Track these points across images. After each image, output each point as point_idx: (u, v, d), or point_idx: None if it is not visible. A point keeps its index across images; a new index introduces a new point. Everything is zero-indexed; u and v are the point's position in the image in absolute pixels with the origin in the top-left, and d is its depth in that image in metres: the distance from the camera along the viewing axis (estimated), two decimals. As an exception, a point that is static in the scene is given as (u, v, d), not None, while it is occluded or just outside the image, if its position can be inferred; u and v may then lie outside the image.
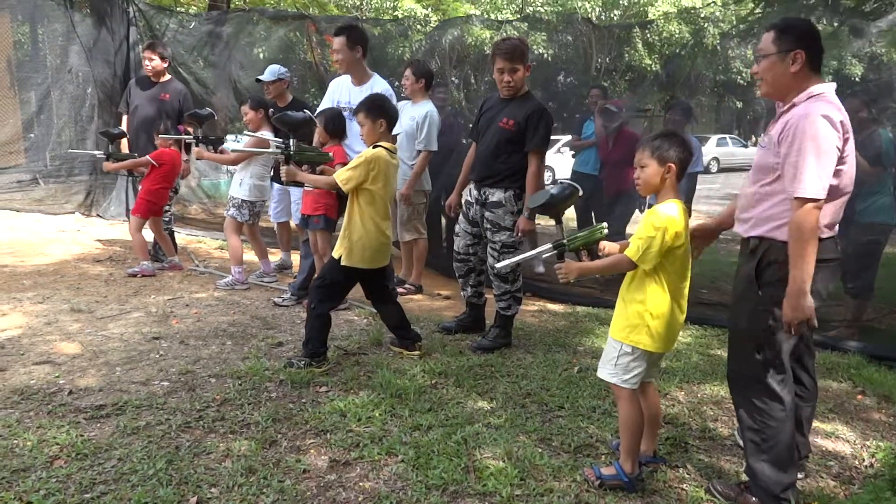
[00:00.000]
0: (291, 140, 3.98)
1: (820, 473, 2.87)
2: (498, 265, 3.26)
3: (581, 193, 2.74)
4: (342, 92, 5.10)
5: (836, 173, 2.39)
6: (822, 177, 2.32)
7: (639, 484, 2.63)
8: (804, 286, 2.32)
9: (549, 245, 2.66)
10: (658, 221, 2.50)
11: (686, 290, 2.66)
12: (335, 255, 3.84)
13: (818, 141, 2.32)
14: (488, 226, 4.17)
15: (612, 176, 6.26)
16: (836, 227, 2.53)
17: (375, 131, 3.79)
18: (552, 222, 2.70)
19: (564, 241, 2.63)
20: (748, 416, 2.57)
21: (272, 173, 4.82)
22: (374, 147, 3.76)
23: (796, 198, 2.33)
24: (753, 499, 2.56)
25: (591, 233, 2.68)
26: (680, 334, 4.72)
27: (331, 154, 4.22)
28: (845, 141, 2.38)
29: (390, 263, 4.08)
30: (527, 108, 4.04)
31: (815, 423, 3.30)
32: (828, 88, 2.47)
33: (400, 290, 5.56)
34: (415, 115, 5.41)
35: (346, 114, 4.88)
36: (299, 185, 4.35)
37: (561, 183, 2.70)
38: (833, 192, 2.39)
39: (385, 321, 4.12)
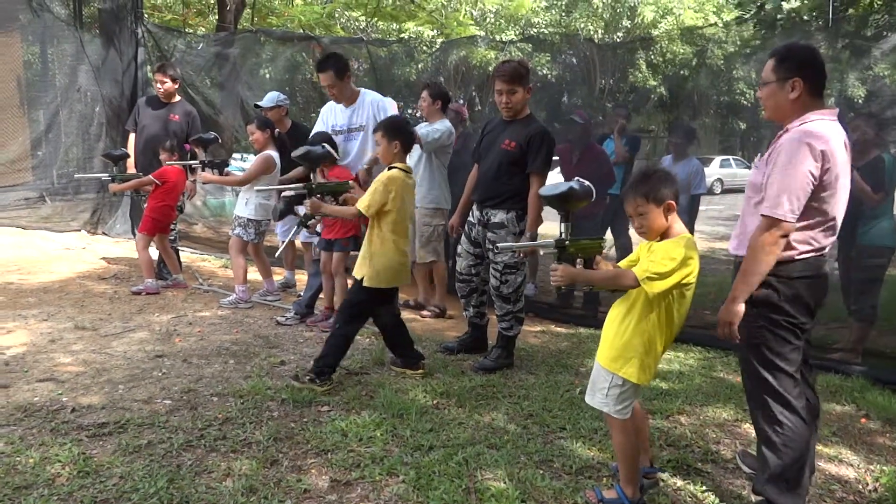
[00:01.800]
0: (311, 175, 4.18)
1: (824, 498, 2.85)
2: (500, 245, 3.27)
3: (594, 198, 2.73)
4: (335, 116, 5.15)
5: (819, 199, 2.46)
6: (790, 200, 2.41)
7: None
8: (737, 295, 2.51)
9: (550, 241, 2.66)
10: (675, 252, 2.46)
11: (679, 327, 2.65)
12: (356, 276, 3.88)
13: (793, 166, 2.41)
14: (490, 246, 4.19)
15: None
16: (826, 249, 2.58)
17: (390, 152, 3.84)
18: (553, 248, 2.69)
19: (567, 240, 2.63)
20: (768, 431, 2.59)
21: (279, 209, 4.83)
22: (388, 169, 3.81)
23: (762, 215, 2.46)
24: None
25: (592, 242, 2.70)
26: (681, 356, 4.75)
27: (350, 182, 4.28)
28: (826, 171, 2.42)
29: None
30: (529, 130, 4.08)
31: (819, 447, 3.28)
32: (825, 117, 2.51)
33: (424, 313, 5.57)
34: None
35: (339, 138, 4.96)
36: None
37: (580, 181, 2.68)
38: (813, 216, 2.48)
39: (388, 341, 4.13)
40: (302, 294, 5.33)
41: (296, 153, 4.27)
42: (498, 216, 4.14)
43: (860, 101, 6.41)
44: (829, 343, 4.88)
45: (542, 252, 2.72)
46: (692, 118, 9.45)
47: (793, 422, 2.55)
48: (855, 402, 3.95)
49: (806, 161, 2.40)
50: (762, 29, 6.62)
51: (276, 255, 4.83)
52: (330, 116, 5.18)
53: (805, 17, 6.51)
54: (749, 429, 3.45)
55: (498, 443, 3.12)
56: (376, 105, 5.12)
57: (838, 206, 2.53)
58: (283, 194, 4.86)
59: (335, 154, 4.53)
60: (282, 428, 3.17)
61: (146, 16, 9.48)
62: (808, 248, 2.52)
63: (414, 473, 2.77)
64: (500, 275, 4.17)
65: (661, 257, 2.48)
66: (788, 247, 2.50)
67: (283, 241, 4.99)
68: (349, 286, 5.00)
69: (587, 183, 2.67)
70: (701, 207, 6.52)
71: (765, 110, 2.67)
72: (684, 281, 2.48)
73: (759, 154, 2.75)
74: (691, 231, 5.78)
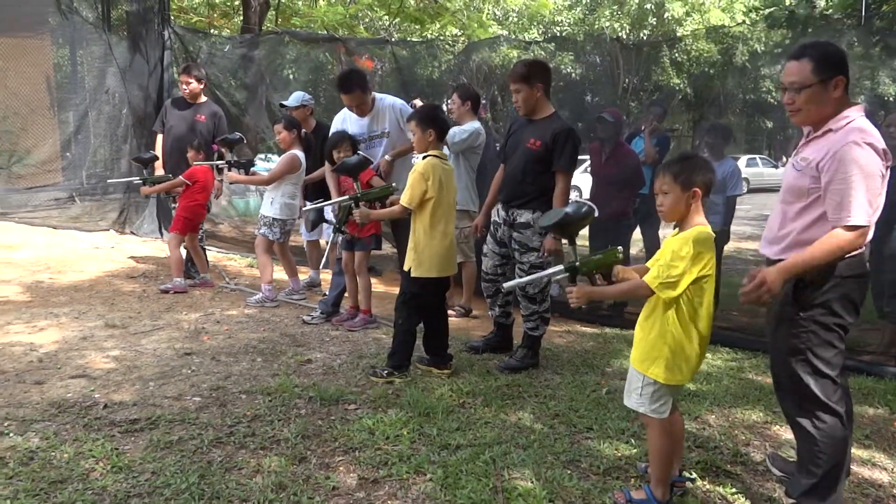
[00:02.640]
0: (355, 185, 4.26)
1: (857, 501, 2.81)
2: (506, 285, 2.98)
3: (597, 214, 2.69)
4: (349, 125, 5.16)
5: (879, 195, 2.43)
6: (870, 202, 2.37)
7: None
8: (790, 269, 2.40)
9: (560, 267, 2.59)
10: (684, 250, 2.43)
11: (709, 319, 2.58)
12: (405, 268, 3.94)
13: (865, 169, 2.36)
14: (516, 247, 4.19)
15: (602, 194, 5.86)
16: (867, 246, 2.53)
17: (425, 140, 3.89)
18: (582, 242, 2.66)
19: (577, 263, 2.56)
20: (807, 437, 2.55)
21: (311, 219, 4.87)
22: (423, 158, 3.85)
23: (845, 226, 2.37)
24: None
25: (605, 256, 2.62)
26: (709, 357, 4.70)
27: (393, 184, 4.31)
28: (886, 167, 2.41)
29: (449, 278, 4.12)
30: (554, 129, 4.06)
31: (852, 450, 3.23)
32: (861, 112, 2.49)
33: (450, 312, 5.57)
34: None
35: (360, 147, 4.99)
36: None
37: (577, 202, 2.64)
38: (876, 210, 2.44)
39: (427, 336, 4.13)
40: (327, 293, 5.36)
41: (334, 167, 4.37)
42: (524, 216, 4.13)
43: (891, 98, 6.31)
44: (862, 345, 4.80)
45: (556, 279, 2.61)
46: (718, 117, 9.35)
47: (832, 426, 2.51)
48: (888, 404, 3.89)
49: (877, 163, 2.39)
50: (791, 29, 6.51)
51: (322, 265, 4.84)
52: (346, 126, 5.18)
53: (836, 16, 6.41)
54: (779, 431, 3.41)
55: (525, 442, 3.12)
56: (396, 109, 5.17)
57: (882, 201, 2.49)
58: (308, 207, 4.86)
59: (370, 159, 4.55)
60: (309, 425, 3.19)
61: (172, 18, 9.59)
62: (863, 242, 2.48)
63: (441, 472, 2.77)
64: (525, 274, 4.16)
65: (670, 259, 2.45)
66: None
67: (328, 244, 4.93)
68: (371, 284, 5.06)
69: (586, 204, 2.59)
70: (728, 207, 6.43)
71: (797, 114, 2.55)
72: (700, 274, 2.45)
73: (793, 155, 2.67)
74: (727, 235, 5.72)
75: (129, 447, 2.92)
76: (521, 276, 4.19)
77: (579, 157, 4.28)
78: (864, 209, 2.36)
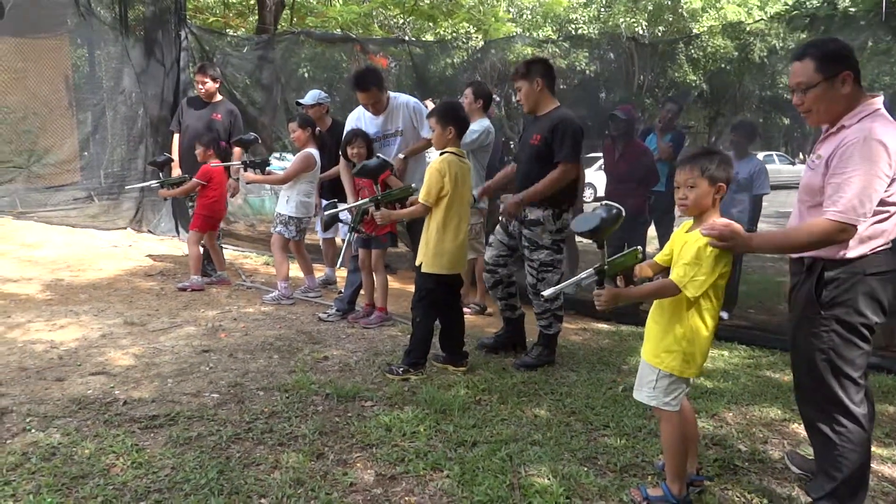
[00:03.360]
0: (375, 187, 4.30)
1: (877, 500, 2.78)
2: (545, 293, 2.84)
3: (625, 214, 2.69)
4: (364, 124, 5.14)
5: (890, 192, 2.36)
6: (864, 202, 2.31)
7: None
8: (755, 244, 2.53)
9: (590, 271, 2.57)
10: (708, 250, 2.43)
11: (716, 312, 2.59)
12: (418, 264, 3.98)
13: (867, 166, 2.31)
14: (526, 244, 4.18)
15: (616, 191, 5.86)
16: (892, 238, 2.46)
17: (444, 137, 3.89)
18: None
19: (605, 266, 2.53)
20: (826, 440, 2.52)
21: (326, 219, 4.89)
22: (441, 154, 3.87)
23: (831, 219, 2.33)
24: None
25: (627, 257, 2.62)
26: (727, 354, 4.67)
27: (413, 185, 4.32)
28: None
29: (461, 276, 4.14)
30: (552, 121, 4.06)
31: (873, 449, 3.20)
32: (878, 105, 2.43)
33: (465, 310, 5.59)
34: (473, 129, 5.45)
35: (374, 145, 5.01)
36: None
37: (607, 205, 2.58)
38: (885, 209, 2.39)
39: (443, 333, 4.14)
40: (343, 291, 5.38)
41: (354, 171, 4.41)
42: (534, 213, 4.12)
43: None
44: (880, 342, 4.75)
45: (584, 283, 2.60)
46: (734, 114, 9.28)
47: (852, 431, 2.48)
48: (908, 402, 3.85)
49: (880, 160, 2.31)
50: (813, 30, 6.45)
51: (339, 264, 4.91)
52: (360, 124, 5.16)
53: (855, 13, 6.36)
54: (797, 428, 3.39)
55: (541, 439, 3.12)
56: (410, 108, 5.17)
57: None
58: (329, 212, 4.88)
59: (390, 162, 4.53)
60: (327, 422, 3.21)
61: (189, 18, 9.66)
62: (881, 241, 2.42)
63: (458, 469, 2.78)
64: (536, 272, 4.15)
65: (694, 257, 2.45)
66: (861, 242, 2.41)
67: (344, 245, 4.91)
68: (388, 282, 5.07)
69: (615, 207, 2.54)
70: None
71: (810, 115, 2.52)
72: (721, 272, 2.46)
73: (809, 153, 2.63)
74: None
75: (148, 443, 2.96)
76: (531, 273, 4.17)
77: (593, 155, 4.28)
78: (854, 206, 2.30)
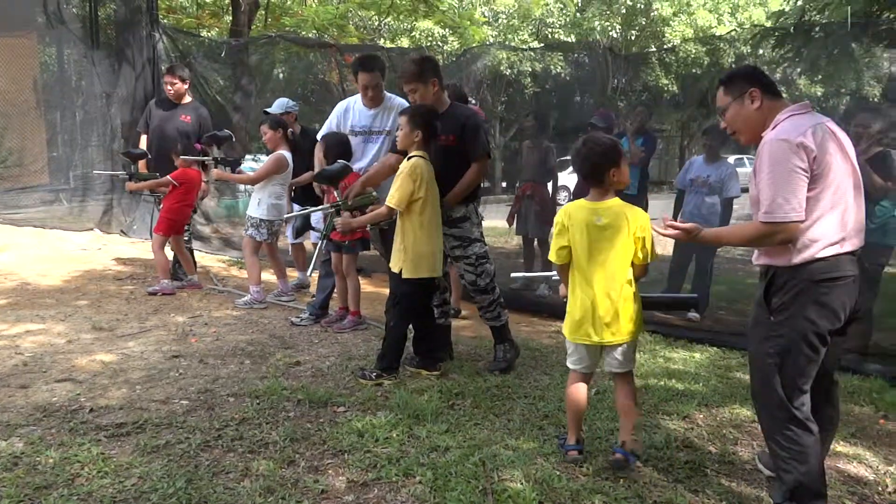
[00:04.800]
0: (335, 194, 4.21)
1: (843, 499, 2.83)
2: (515, 276, 3.27)
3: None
4: (355, 115, 4.95)
5: (819, 191, 2.40)
6: (788, 199, 2.37)
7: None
8: (706, 236, 2.68)
9: (553, 273, 3.23)
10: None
11: (605, 281, 2.85)
12: (394, 269, 3.91)
13: (777, 165, 2.40)
14: (457, 243, 4.15)
15: None
16: (848, 242, 2.46)
17: (410, 139, 3.83)
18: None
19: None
20: (776, 445, 2.54)
21: (297, 227, 4.81)
22: (408, 158, 3.82)
23: (762, 222, 2.44)
24: None
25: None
26: (697, 356, 4.71)
27: (374, 192, 4.24)
28: (813, 160, 2.38)
29: (438, 280, 4.11)
30: (460, 119, 4.07)
31: (838, 448, 3.26)
32: (794, 112, 2.50)
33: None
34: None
35: (357, 138, 4.85)
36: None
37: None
38: (819, 210, 2.41)
39: (416, 338, 4.12)
40: (315, 295, 5.34)
41: (314, 175, 4.38)
42: (458, 211, 4.10)
43: (875, 99, 6.42)
44: (850, 344, 4.83)
45: (550, 277, 3.01)
46: (706, 118, 9.40)
47: (800, 436, 2.48)
48: (874, 402, 3.92)
49: (788, 157, 2.38)
50: (786, 42, 6.60)
51: (310, 270, 4.93)
52: (350, 115, 4.96)
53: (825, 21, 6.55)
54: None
55: (514, 444, 3.12)
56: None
57: (843, 195, 2.45)
58: (290, 215, 4.83)
59: (351, 167, 4.49)
60: (298, 428, 3.18)
61: (161, 18, 9.54)
62: (825, 244, 2.42)
63: (431, 474, 2.77)
64: (473, 268, 4.14)
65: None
66: (805, 246, 2.43)
67: (316, 249, 4.83)
68: (360, 285, 5.04)
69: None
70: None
71: (738, 136, 2.69)
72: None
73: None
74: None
75: (115, 451, 2.90)
76: (468, 270, 4.16)
77: (564, 159, 4.30)
78: (779, 204, 2.38)
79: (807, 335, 2.45)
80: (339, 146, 4.72)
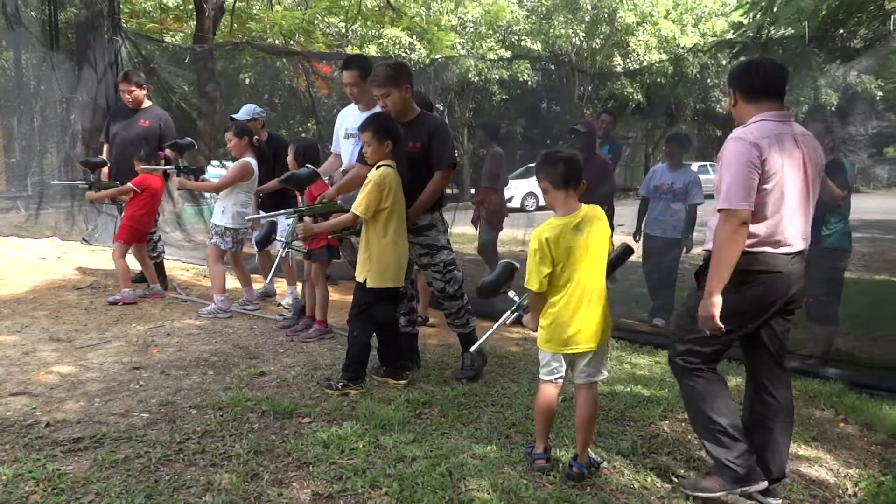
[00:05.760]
0: (300, 199, 4.19)
1: (804, 503, 2.87)
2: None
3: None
4: (351, 119, 4.84)
5: (765, 191, 2.64)
6: (737, 190, 2.60)
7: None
8: (712, 289, 2.65)
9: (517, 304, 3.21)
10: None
11: (590, 287, 2.87)
12: (359, 279, 3.87)
13: (730, 159, 2.66)
14: (424, 251, 4.14)
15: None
16: (784, 246, 2.69)
17: (381, 151, 3.79)
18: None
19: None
20: (685, 400, 2.96)
21: (260, 236, 4.78)
22: (377, 167, 3.78)
23: (718, 210, 2.67)
24: (712, 479, 2.80)
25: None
26: (663, 362, 4.76)
27: (338, 201, 4.19)
28: (763, 161, 2.62)
29: (403, 289, 4.08)
30: (427, 127, 4.07)
31: (799, 451, 3.32)
32: (765, 118, 2.72)
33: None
34: None
35: (350, 140, 4.74)
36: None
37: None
38: (761, 207, 2.64)
39: (382, 346, 4.08)
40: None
41: (281, 178, 4.30)
42: (424, 219, 4.10)
43: (832, 108, 6.63)
44: (801, 347, 4.93)
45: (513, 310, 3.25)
46: (670, 125, 9.56)
47: (690, 387, 2.86)
48: (833, 406, 3.99)
49: (742, 153, 2.63)
50: (745, 52, 6.78)
51: (268, 279, 5.01)
52: (346, 119, 4.90)
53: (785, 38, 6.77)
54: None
55: (481, 452, 3.10)
56: None
57: (786, 204, 2.67)
58: (251, 217, 4.76)
59: (319, 173, 4.44)
60: (262, 440, 3.13)
61: (124, 22, 9.37)
62: (754, 241, 2.67)
63: (397, 485, 2.74)
64: (441, 275, 4.14)
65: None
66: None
67: (277, 258, 4.76)
68: (328, 295, 4.99)
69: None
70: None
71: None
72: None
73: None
74: (690, 243, 5.89)
75: (71, 467, 2.81)
76: (436, 277, 4.15)
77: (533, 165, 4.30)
78: (732, 194, 2.60)
79: (722, 315, 2.66)
80: (309, 151, 4.75)
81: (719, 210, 2.66)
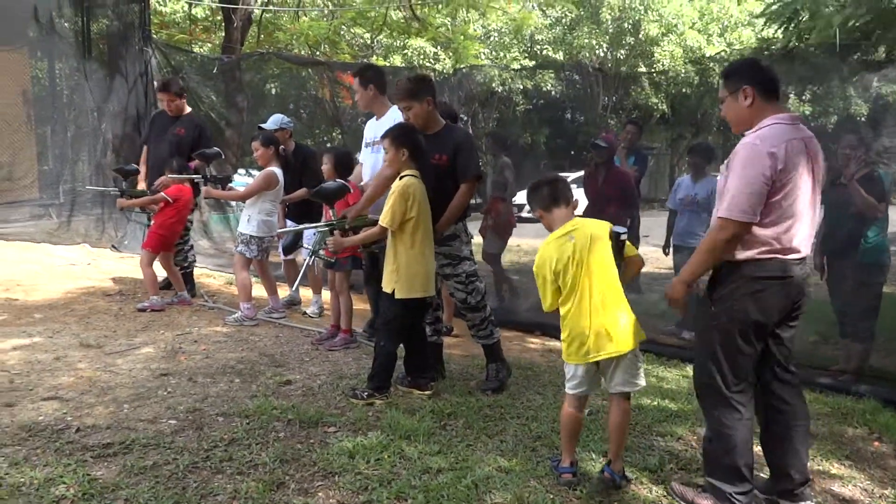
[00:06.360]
0: (332, 211, 4.18)
1: (837, 523, 2.81)
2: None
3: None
4: (370, 129, 4.88)
5: (778, 199, 2.59)
6: (745, 200, 2.55)
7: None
8: (685, 276, 2.73)
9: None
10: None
11: (599, 294, 2.83)
12: (387, 290, 3.87)
13: (743, 166, 2.58)
14: (447, 261, 4.14)
15: (599, 216, 6.02)
16: (793, 252, 2.66)
17: (398, 160, 3.81)
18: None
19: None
20: (708, 427, 2.80)
21: (286, 244, 4.82)
22: (400, 178, 3.80)
23: (718, 217, 2.63)
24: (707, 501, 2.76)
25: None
26: (690, 376, 4.69)
27: (369, 216, 4.22)
28: (779, 171, 2.55)
29: (430, 298, 4.07)
30: (454, 140, 4.08)
31: (832, 469, 3.26)
32: (780, 120, 2.65)
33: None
34: None
35: (369, 149, 4.79)
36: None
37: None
38: (774, 216, 2.60)
39: (408, 356, 4.08)
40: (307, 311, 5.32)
41: (311, 193, 4.36)
42: (448, 229, 4.10)
43: (862, 118, 6.55)
44: (834, 363, 4.84)
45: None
46: (695, 136, 9.48)
47: (727, 418, 2.71)
48: (867, 424, 3.90)
49: (756, 163, 2.55)
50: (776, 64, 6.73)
51: (293, 288, 5.05)
52: (367, 129, 4.92)
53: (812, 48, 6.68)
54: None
55: (507, 465, 3.08)
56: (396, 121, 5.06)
57: (798, 208, 2.63)
58: (282, 230, 4.80)
59: (349, 186, 4.46)
60: (288, 449, 3.14)
61: (154, 33, 9.54)
62: (768, 248, 2.62)
63: (422, 497, 2.73)
64: (463, 286, 4.13)
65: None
66: (749, 246, 2.62)
67: (303, 267, 4.78)
68: (352, 304, 5.01)
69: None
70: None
71: (731, 125, 2.86)
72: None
73: (724, 163, 2.86)
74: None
75: (101, 473, 2.85)
76: (458, 288, 4.15)
77: (564, 174, 4.31)
78: (737, 203, 2.55)
79: (741, 325, 2.65)
80: (345, 160, 4.85)
81: (720, 217, 2.62)
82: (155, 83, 8.53)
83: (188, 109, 6.42)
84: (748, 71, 2.76)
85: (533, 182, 3.06)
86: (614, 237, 2.87)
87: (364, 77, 4.68)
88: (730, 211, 2.58)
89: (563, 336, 2.94)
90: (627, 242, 2.93)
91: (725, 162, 2.75)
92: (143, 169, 6.32)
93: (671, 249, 6.02)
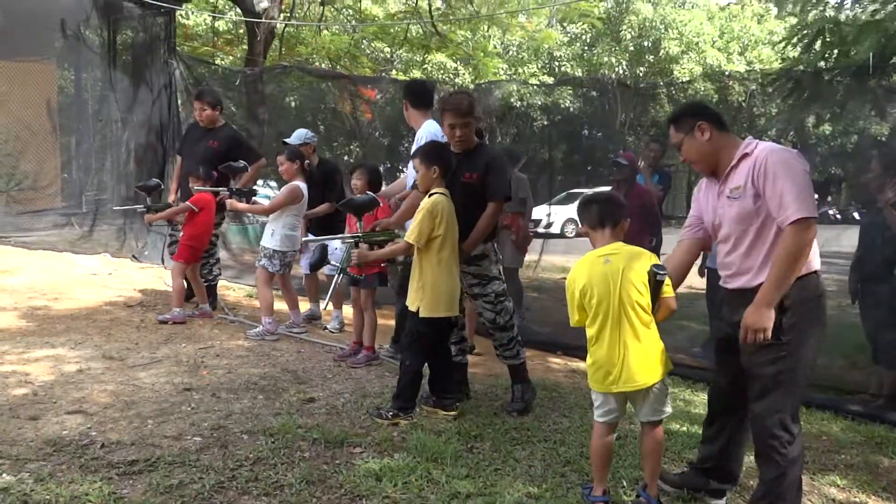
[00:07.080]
0: (359, 224, 4.10)
1: (879, 560, 2.73)
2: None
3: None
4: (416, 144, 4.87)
5: None
6: (808, 196, 2.48)
7: None
8: (769, 298, 2.51)
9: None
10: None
11: (628, 323, 2.77)
12: (412, 308, 3.84)
13: (786, 166, 2.52)
14: (475, 281, 4.11)
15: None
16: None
17: (429, 177, 3.80)
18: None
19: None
20: (768, 461, 2.65)
21: (312, 262, 4.82)
22: (429, 196, 3.77)
23: (794, 221, 2.46)
24: None
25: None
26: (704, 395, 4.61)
27: (395, 230, 4.22)
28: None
29: (455, 317, 4.03)
30: (485, 158, 4.06)
31: (869, 502, 3.17)
32: (752, 139, 2.69)
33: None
34: None
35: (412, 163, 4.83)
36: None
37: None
38: None
39: (432, 376, 4.04)
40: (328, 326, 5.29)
41: (340, 203, 4.33)
42: (478, 249, 4.06)
43: (883, 138, 6.51)
44: (863, 389, 4.74)
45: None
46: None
47: (791, 450, 2.64)
48: (903, 455, 3.81)
49: (796, 163, 2.54)
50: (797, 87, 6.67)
51: (325, 305, 5.09)
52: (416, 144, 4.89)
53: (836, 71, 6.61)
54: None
55: (536, 492, 3.02)
56: (431, 135, 5.02)
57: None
58: (307, 239, 4.78)
59: (378, 200, 4.45)
60: (314, 470, 3.09)
61: (178, 45, 9.62)
62: (817, 255, 2.62)
63: (452, 523, 2.68)
64: (492, 306, 4.09)
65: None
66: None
67: (333, 284, 4.69)
68: (377, 321, 4.97)
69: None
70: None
71: (695, 166, 2.86)
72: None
73: (716, 198, 2.80)
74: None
75: (126, 491, 2.82)
76: (487, 308, 4.11)
77: (576, 191, 4.30)
78: (803, 199, 2.46)
79: (811, 357, 2.60)
80: (376, 176, 4.89)
81: (794, 221, 2.46)
82: (178, 96, 8.61)
83: (221, 122, 6.42)
84: (696, 109, 2.84)
85: (585, 196, 3.03)
86: (652, 276, 2.75)
87: (404, 93, 4.72)
88: (806, 209, 2.45)
89: (588, 361, 2.90)
90: (667, 280, 2.80)
91: (731, 185, 2.68)
92: (174, 182, 6.35)
93: (706, 271, 5.93)
